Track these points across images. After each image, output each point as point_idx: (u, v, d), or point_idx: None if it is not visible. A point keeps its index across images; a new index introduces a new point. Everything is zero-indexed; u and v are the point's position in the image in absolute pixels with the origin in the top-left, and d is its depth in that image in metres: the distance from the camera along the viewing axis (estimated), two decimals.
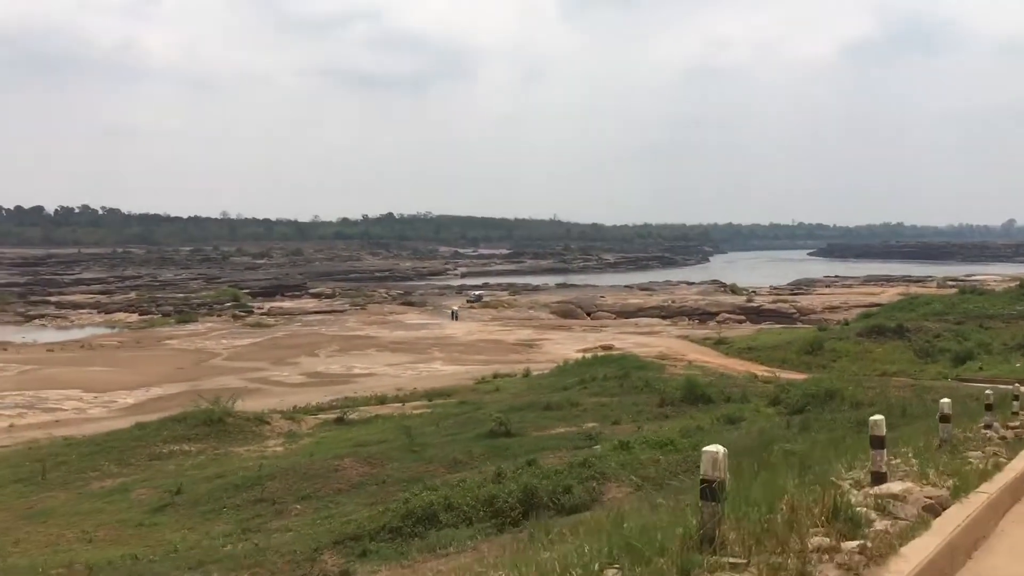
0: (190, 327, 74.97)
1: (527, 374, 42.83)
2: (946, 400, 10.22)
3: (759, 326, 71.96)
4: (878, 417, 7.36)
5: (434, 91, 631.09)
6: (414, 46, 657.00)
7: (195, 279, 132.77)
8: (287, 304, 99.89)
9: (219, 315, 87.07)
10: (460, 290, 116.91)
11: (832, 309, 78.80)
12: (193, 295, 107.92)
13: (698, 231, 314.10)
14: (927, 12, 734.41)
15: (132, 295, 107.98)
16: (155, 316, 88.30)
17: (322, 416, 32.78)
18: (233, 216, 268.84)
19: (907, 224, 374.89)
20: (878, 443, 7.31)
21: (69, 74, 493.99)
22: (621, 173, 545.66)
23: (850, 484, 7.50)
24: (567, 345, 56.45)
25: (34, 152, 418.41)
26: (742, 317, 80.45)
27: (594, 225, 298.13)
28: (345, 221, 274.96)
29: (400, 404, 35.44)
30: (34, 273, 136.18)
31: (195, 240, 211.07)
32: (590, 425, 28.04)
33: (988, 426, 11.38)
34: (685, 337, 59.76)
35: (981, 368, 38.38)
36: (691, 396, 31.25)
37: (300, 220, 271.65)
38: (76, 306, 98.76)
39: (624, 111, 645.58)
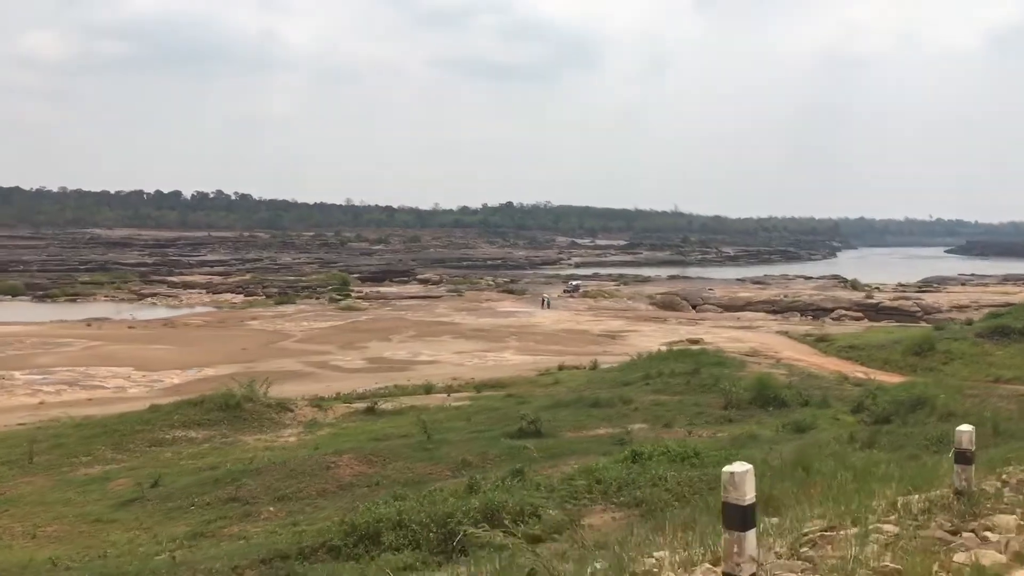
0: (280, 308, 74.54)
1: (594, 367, 39.54)
2: (965, 428, 6.54)
3: (876, 324, 65.99)
4: (738, 467, 3.99)
5: (559, 80, 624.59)
6: (541, 35, 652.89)
7: (311, 263, 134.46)
8: (386, 289, 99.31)
9: (317, 298, 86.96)
10: (567, 279, 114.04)
11: (960, 308, 71.61)
12: (303, 278, 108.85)
13: (827, 225, 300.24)
14: None
15: (248, 277, 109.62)
16: (259, 297, 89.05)
17: (355, 405, 30.44)
18: (357, 203, 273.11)
19: None
20: (737, 518, 3.95)
21: (207, 65, 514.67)
22: (747, 164, 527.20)
23: None
24: (654, 338, 52.60)
25: (175, 139, 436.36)
26: (859, 314, 74.25)
27: (716, 217, 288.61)
28: (464, 209, 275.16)
29: (445, 395, 32.86)
30: (163, 254, 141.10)
31: (320, 226, 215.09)
32: (637, 427, 24.77)
33: None
34: (784, 333, 54.89)
35: None
36: (761, 398, 27.47)
37: (421, 208, 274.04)
38: (188, 286, 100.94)
39: (753, 100, 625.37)
